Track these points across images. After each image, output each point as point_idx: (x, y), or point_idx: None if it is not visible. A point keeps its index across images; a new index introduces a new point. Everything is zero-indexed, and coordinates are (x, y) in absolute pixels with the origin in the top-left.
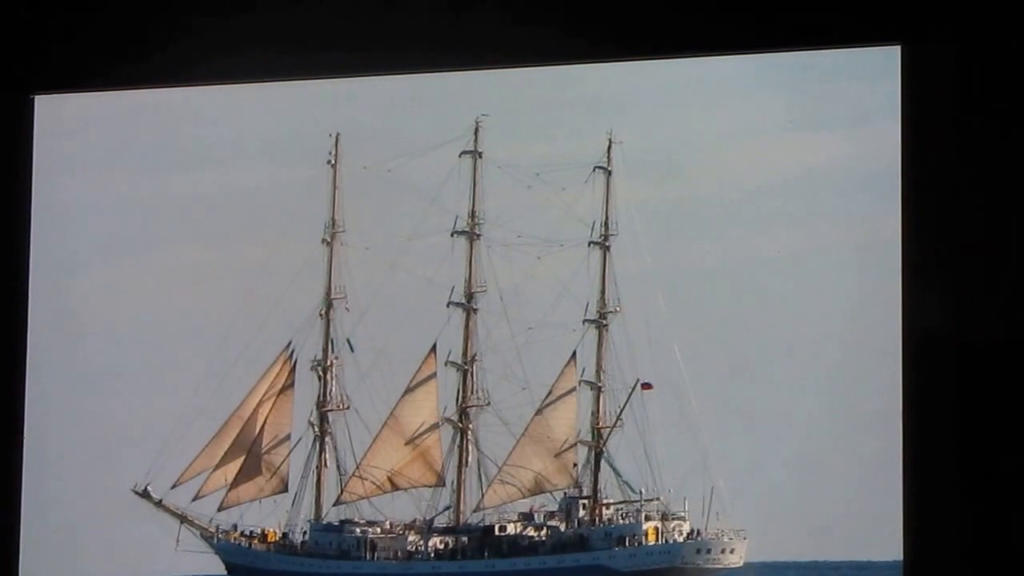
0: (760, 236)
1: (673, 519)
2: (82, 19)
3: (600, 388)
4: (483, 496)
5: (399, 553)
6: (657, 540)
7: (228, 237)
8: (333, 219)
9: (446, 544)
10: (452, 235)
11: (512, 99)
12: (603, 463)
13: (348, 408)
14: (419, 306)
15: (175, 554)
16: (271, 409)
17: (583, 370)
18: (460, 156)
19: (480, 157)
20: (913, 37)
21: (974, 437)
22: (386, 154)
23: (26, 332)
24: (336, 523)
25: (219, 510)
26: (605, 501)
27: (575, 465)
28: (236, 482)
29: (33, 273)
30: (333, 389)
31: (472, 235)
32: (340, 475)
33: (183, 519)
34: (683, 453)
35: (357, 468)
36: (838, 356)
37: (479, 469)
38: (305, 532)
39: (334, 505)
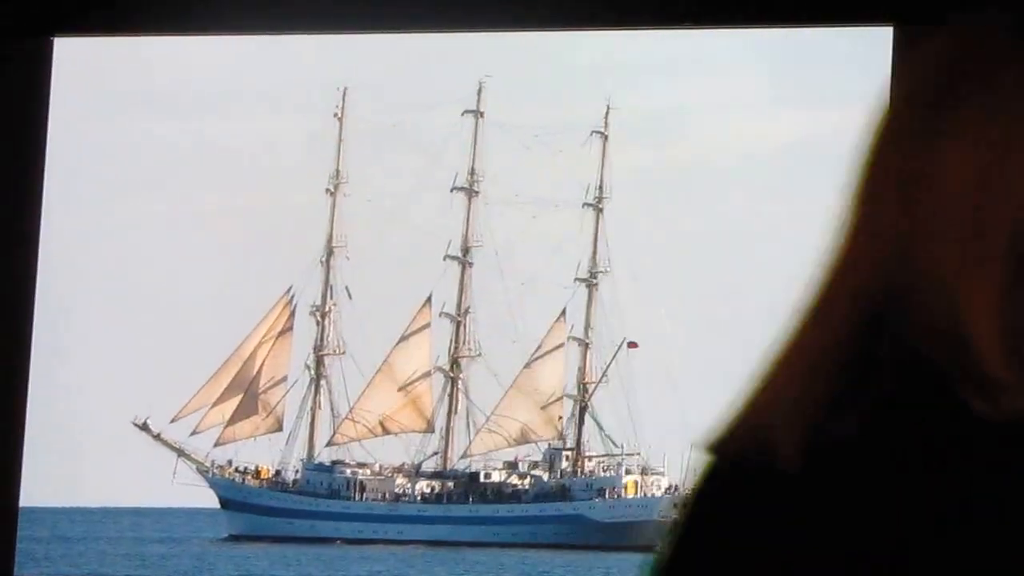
0: (750, 205)
1: (652, 474)
2: None
3: (588, 345)
4: (470, 443)
5: (387, 495)
6: (636, 493)
7: (235, 183)
8: (337, 170)
9: (432, 488)
10: (451, 191)
11: (516, 62)
12: (587, 417)
13: (344, 353)
14: (416, 258)
15: (171, 486)
16: (270, 351)
17: (572, 327)
18: (462, 115)
19: (482, 117)
20: (906, 19)
21: None
22: (391, 109)
23: (36, 266)
24: (328, 463)
25: (215, 446)
26: (588, 454)
27: (560, 418)
28: (233, 419)
29: (46, 211)
30: (330, 334)
31: (471, 192)
32: (334, 417)
33: (180, 453)
34: (665, 410)
35: (350, 411)
36: None
37: (468, 417)
38: (297, 471)
39: (326, 446)
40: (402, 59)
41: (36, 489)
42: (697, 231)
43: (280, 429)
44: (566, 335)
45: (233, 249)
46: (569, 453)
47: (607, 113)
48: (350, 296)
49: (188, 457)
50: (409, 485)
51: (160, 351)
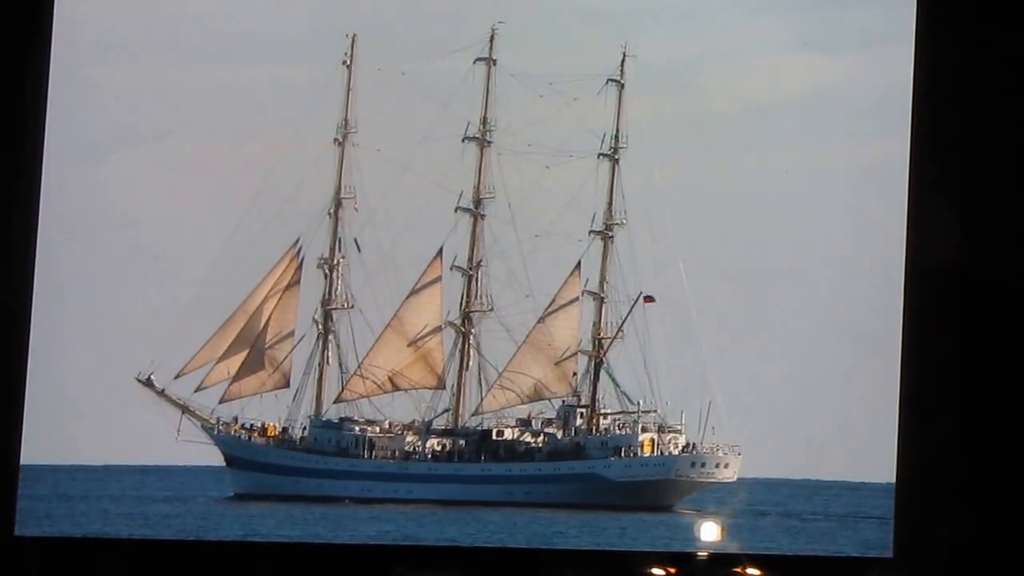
0: (768, 155)
1: (669, 432)
2: None
3: (603, 299)
4: (482, 400)
5: (397, 453)
6: (652, 452)
7: (242, 132)
8: (346, 119)
9: (443, 446)
10: (463, 141)
11: (529, 8)
12: (602, 373)
13: (352, 307)
14: (427, 209)
15: (175, 444)
16: (276, 305)
17: (587, 280)
18: (474, 63)
19: (494, 64)
20: None
21: (971, 364)
22: (401, 57)
23: (38, 218)
24: (336, 420)
25: (221, 402)
26: (603, 411)
27: (575, 374)
28: (239, 375)
29: (47, 160)
30: (339, 288)
31: (483, 141)
32: (342, 373)
33: (185, 409)
34: (682, 367)
35: (359, 367)
36: (841, 277)
37: (479, 373)
38: (305, 428)
39: (334, 403)
40: (412, 5)
41: (37, 446)
42: (715, 182)
43: (287, 385)
44: (581, 289)
45: (239, 200)
46: (584, 410)
47: (623, 60)
48: (359, 249)
49: (193, 413)
50: (419, 443)
51: (164, 304)
